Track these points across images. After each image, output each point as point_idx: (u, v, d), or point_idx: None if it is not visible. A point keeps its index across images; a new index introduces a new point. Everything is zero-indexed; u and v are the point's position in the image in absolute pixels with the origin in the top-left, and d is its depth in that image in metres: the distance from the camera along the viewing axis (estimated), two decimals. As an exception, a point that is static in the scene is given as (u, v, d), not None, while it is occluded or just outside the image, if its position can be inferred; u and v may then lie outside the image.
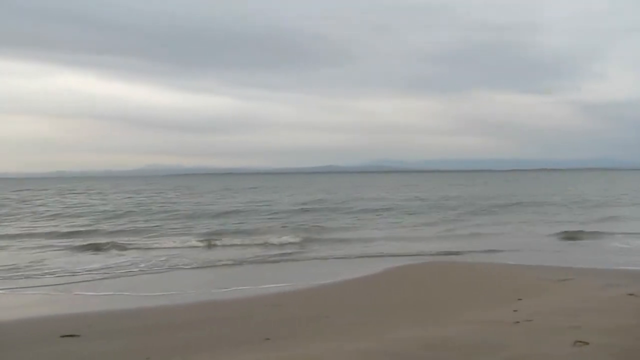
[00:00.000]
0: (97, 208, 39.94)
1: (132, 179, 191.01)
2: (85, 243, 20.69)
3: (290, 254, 17.97)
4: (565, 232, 21.80)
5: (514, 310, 8.14)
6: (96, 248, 19.56)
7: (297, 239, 20.77)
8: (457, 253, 17.38)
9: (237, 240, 21.12)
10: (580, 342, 5.93)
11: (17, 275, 14.34)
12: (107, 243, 20.41)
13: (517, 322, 7.18)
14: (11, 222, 30.79)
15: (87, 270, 15.18)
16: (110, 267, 15.71)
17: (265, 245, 19.95)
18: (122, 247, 19.68)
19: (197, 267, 15.68)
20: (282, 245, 19.79)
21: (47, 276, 14.25)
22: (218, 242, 20.60)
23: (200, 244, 20.28)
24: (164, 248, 19.54)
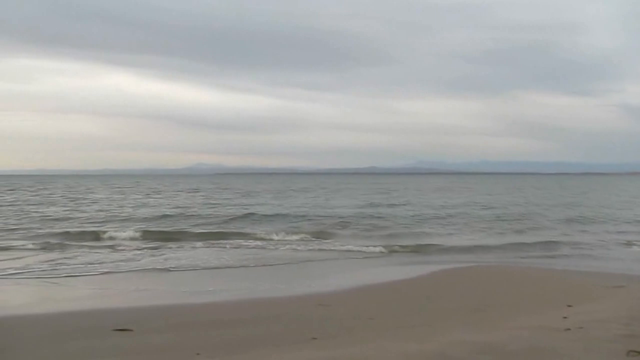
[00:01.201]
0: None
1: (178, 177, 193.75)
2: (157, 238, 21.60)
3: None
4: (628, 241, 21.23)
5: (564, 317, 8.00)
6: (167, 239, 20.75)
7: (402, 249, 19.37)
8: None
9: (294, 237, 21.67)
10: (634, 351, 5.81)
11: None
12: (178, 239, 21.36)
13: (568, 329, 7.06)
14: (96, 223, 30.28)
15: (142, 264, 15.66)
16: (165, 262, 16.14)
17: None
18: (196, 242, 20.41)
19: (254, 266, 15.92)
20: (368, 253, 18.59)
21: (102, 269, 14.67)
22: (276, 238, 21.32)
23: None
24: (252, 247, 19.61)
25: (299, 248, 19.16)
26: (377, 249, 18.68)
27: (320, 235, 22.80)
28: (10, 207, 37.43)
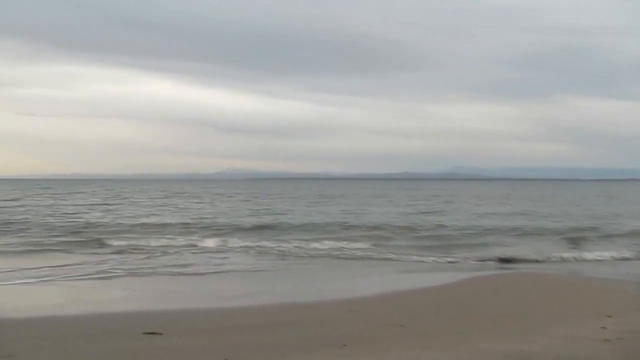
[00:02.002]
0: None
1: (214, 182, 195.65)
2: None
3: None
4: None
5: (602, 327, 7.75)
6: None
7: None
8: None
9: (330, 243, 20.95)
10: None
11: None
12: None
13: (607, 339, 6.82)
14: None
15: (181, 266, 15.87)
16: (202, 265, 16.34)
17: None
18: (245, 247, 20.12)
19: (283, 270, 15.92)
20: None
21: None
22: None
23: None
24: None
25: (366, 255, 18.53)
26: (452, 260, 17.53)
27: (381, 242, 22.03)
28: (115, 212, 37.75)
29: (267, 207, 44.59)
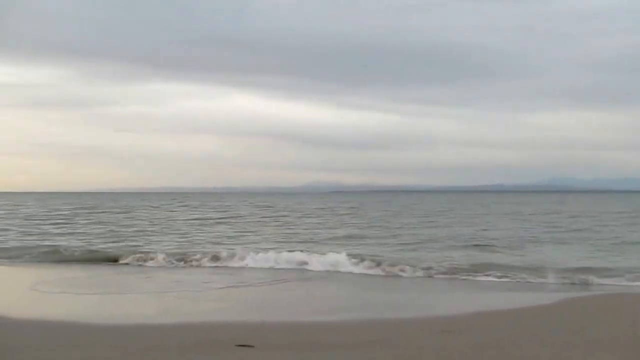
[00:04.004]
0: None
1: (300, 195, 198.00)
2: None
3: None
4: None
5: None
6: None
7: None
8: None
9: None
10: None
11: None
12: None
13: None
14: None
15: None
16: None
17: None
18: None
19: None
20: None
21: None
22: None
23: None
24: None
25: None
26: None
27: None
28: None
29: (386, 222, 42.51)
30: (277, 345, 8.42)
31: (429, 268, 17.38)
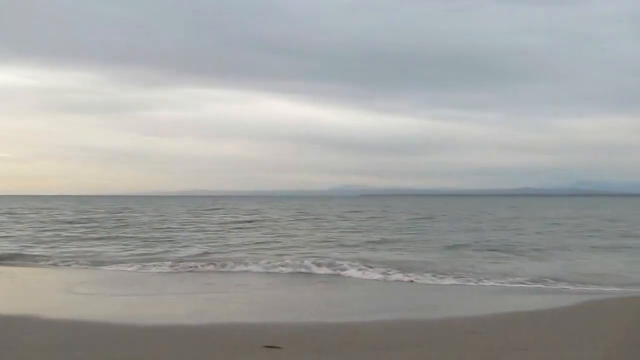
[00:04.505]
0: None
1: (330, 199, 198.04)
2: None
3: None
4: None
5: None
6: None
7: None
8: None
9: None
10: None
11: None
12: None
13: None
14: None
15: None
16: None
17: None
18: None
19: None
20: None
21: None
22: None
23: None
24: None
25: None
26: None
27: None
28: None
29: (418, 225, 42.37)
30: (305, 346, 8.54)
31: (458, 276, 17.29)
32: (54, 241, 29.17)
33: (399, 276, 17.28)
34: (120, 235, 33.09)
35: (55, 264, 20.43)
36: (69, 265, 20.12)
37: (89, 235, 32.57)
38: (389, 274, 17.54)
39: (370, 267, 18.63)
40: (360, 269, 18.36)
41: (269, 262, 19.62)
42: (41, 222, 45.20)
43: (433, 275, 17.35)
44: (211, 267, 19.26)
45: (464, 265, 19.62)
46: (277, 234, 33.97)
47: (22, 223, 44.08)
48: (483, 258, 22.24)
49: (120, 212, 65.02)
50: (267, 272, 18.39)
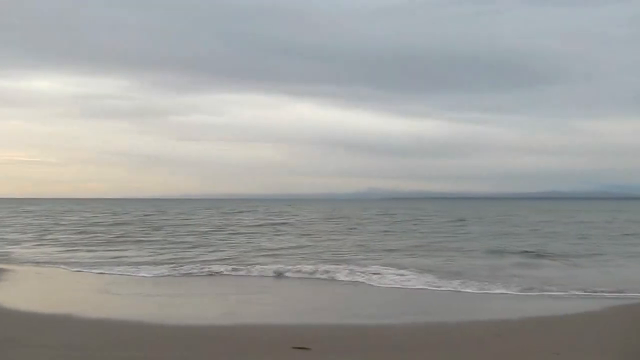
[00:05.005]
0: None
1: (356, 202, 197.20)
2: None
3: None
4: None
5: None
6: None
7: None
8: None
9: None
10: None
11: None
12: None
13: None
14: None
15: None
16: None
17: None
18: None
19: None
20: None
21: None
22: None
23: None
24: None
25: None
26: None
27: None
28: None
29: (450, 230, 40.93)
30: (333, 348, 8.67)
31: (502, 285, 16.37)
32: (89, 244, 29.86)
33: (432, 280, 16.92)
34: (152, 238, 33.60)
35: (90, 265, 20.93)
36: (102, 266, 20.62)
37: (122, 238, 33.12)
38: (424, 280, 17.13)
39: (403, 275, 17.99)
40: (394, 274, 17.92)
41: (298, 266, 19.78)
42: (78, 225, 46.16)
43: (479, 282, 16.49)
44: (240, 270, 19.57)
45: (503, 273, 18.77)
46: (309, 238, 33.82)
47: (62, 225, 45.25)
48: (518, 264, 21.55)
49: (152, 215, 66.03)
50: (296, 277, 18.35)
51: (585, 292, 15.29)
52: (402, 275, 17.94)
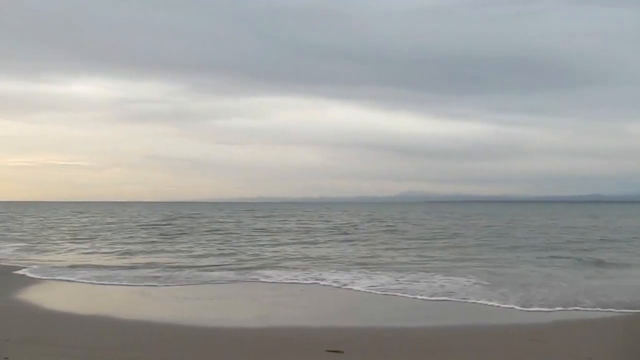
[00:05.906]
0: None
1: (396, 205, 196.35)
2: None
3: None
4: None
5: None
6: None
7: None
8: None
9: None
10: None
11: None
12: None
13: None
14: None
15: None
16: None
17: None
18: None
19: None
20: None
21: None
22: None
23: None
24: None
25: None
26: None
27: None
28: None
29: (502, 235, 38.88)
30: (366, 350, 8.67)
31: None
32: (127, 244, 30.37)
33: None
34: (190, 240, 33.97)
35: (127, 268, 21.20)
36: (140, 269, 20.83)
37: (161, 241, 33.56)
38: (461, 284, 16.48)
39: (443, 286, 16.50)
40: (434, 282, 17.07)
41: (334, 272, 19.61)
42: (119, 228, 47.06)
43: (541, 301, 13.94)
44: (275, 275, 19.51)
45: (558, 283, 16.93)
46: (354, 242, 33.08)
47: (103, 230, 46.19)
48: (575, 273, 19.65)
49: (192, 218, 66.91)
50: (332, 283, 18.03)
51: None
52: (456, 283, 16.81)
